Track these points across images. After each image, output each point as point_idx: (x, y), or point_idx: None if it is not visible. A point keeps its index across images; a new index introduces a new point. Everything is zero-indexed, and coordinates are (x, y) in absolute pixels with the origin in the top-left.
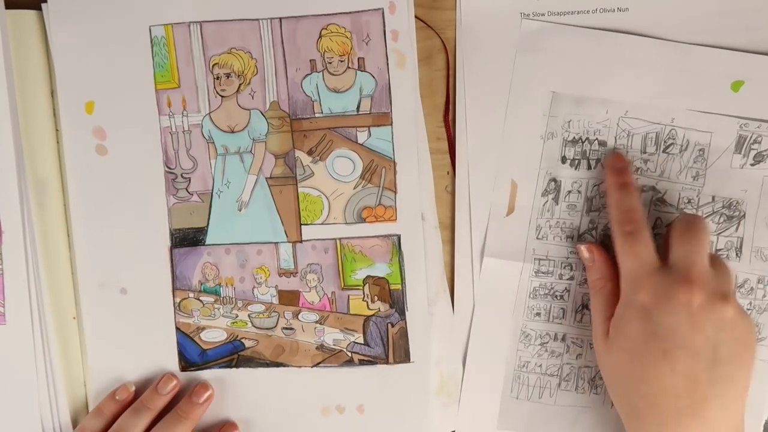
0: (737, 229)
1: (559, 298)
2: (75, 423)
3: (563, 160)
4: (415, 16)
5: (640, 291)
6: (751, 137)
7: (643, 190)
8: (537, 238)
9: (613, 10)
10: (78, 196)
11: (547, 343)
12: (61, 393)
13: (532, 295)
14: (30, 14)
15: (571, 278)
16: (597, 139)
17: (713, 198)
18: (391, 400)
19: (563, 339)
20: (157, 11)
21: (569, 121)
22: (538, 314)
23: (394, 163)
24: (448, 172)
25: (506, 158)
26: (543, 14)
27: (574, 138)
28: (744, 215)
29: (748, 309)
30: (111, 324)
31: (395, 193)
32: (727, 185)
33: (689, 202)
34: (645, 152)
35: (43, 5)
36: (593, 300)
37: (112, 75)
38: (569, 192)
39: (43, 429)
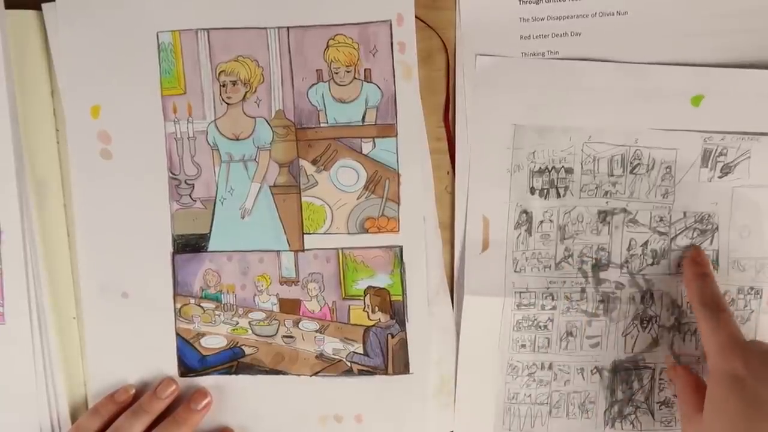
0: (712, 242)
1: (542, 328)
2: (74, 423)
3: (532, 191)
4: (415, 16)
5: (732, 362)
6: (716, 150)
7: (614, 213)
8: (515, 271)
9: (613, 14)
10: (81, 199)
11: (535, 372)
12: (60, 393)
13: (515, 328)
14: (30, 14)
15: (554, 308)
16: (563, 167)
17: (684, 214)
18: (389, 411)
19: (550, 367)
20: (164, 17)
21: (534, 152)
22: (524, 346)
23: (398, 175)
24: (448, 172)
25: (475, 195)
26: (542, 18)
27: (540, 168)
28: (717, 228)
29: None
30: (111, 327)
31: (398, 204)
32: (697, 200)
33: (661, 220)
34: (612, 175)
35: (46, 7)
36: (681, 391)
37: (119, 79)
38: (541, 222)
39: (41, 429)
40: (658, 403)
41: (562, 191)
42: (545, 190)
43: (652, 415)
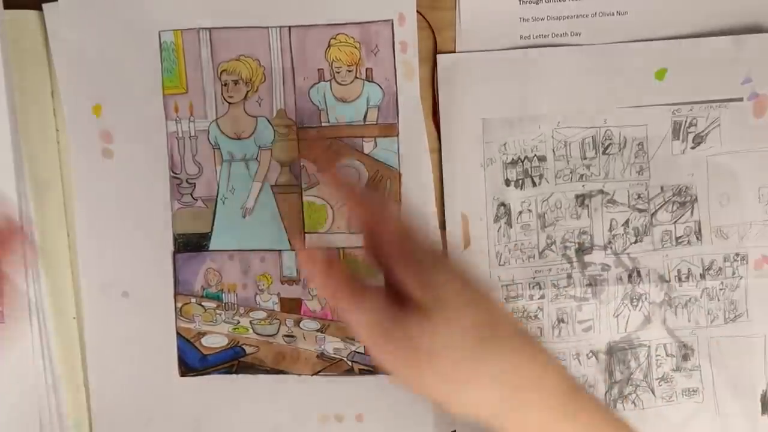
0: (692, 213)
1: (533, 318)
2: (74, 423)
3: (507, 182)
4: (417, 11)
5: None
6: (685, 121)
7: (592, 195)
8: (499, 264)
9: (613, 14)
10: (83, 198)
11: None
12: (61, 393)
13: None
14: (30, 14)
15: (542, 297)
16: (536, 155)
17: (662, 188)
18: (390, 410)
19: None
20: (166, 17)
21: (505, 144)
22: None
23: (399, 174)
24: None
25: (451, 193)
26: (542, 18)
27: (513, 159)
28: (696, 198)
29: (721, 289)
30: (112, 327)
31: (400, 204)
32: (672, 173)
33: (639, 197)
34: (585, 158)
35: (46, 7)
36: None
37: (121, 79)
38: (520, 213)
39: (41, 429)
40: (657, 379)
41: (537, 180)
42: (520, 181)
43: (653, 392)
